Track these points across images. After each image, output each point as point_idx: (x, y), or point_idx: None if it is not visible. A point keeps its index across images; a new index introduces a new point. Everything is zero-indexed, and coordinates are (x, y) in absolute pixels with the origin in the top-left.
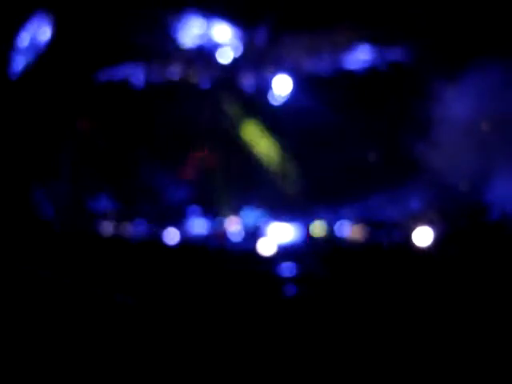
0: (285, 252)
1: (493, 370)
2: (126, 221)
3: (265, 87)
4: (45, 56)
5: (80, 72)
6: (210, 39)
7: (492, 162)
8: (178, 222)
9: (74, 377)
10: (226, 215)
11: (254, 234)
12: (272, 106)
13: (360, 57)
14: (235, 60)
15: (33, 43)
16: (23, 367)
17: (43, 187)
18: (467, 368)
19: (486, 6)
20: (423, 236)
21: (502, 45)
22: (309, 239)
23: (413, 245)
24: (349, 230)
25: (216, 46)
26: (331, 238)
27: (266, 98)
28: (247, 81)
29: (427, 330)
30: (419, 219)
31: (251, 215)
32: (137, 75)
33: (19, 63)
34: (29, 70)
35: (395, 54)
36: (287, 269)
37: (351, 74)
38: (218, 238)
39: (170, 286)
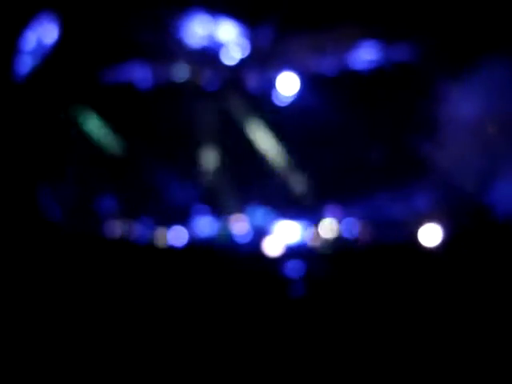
0: (291, 251)
1: (497, 370)
2: (133, 221)
3: (270, 87)
4: (50, 57)
5: (85, 72)
6: (215, 39)
7: (498, 161)
8: (185, 222)
9: (75, 377)
10: (232, 214)
11: (260, 234)
12: (278, 105)
13: (366, 56)
14: (240, 60)
15: (38, 45)
16: (24, 367)
17: (49, 189)
18: (473, 367)
19: (492, 4)
20: (429, 235)
21: (508, 44)
22: (315, 238)
23: (419, 244)
24: (356, 230)
25: (221, 45)
26: (338, 238)
27: (272, 98)
28: (253, 80)
29: (433, 327)
30: (425, 218)
31: (258, 214)
32: (142, 75)
33: (25, 65)
34: (35, 71)
35: (401, 53)
36: (294, 268)
37: (357, 73)
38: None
39: (176, 286)
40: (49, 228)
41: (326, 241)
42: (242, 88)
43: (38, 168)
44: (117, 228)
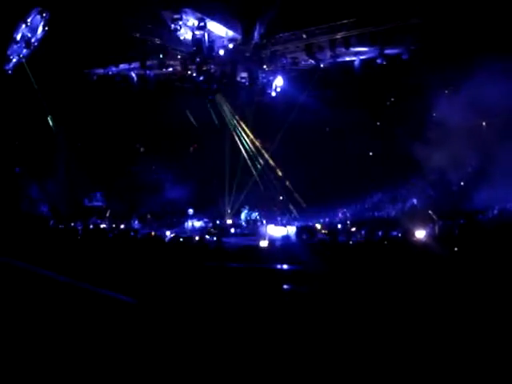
0: (284, 249)
1: (492, 368)
2: (123, 219)
3: (262, 84)
4: (41, 52)
5: (76, 68)
6: (207, 36)
7: (491, 160)
8: (176, 220)
9: (74, 376)
10: (223, 214)
11: (252, 232)
12: (268, 103)
13: (359, 55)
14: (232, 57)
15: (29, 39)
16: (23, 366)
17: (39, 184)
18: (466, 364)
19: (486, 6)
20: (422, 234)
21: (501, 45)
22: (307, 236)
23: (411, 243)
24: (346, 228)
25: (213, 42)
26: (330, 236)
27: (263, 95)
28: (244, 77)
29: (425, 326)
30: (418, 218)
31: (249, 214)
32: (134, 73)
33: (15, 59)
34: (25, 65)
35: (395, 53)
36: (286, 266)
37: (350, 72)
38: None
39: (167, 282)
40: (38, 223)
41: (319, 239)
42: (234, 85)
43: (28, 163)
44: (108, 225)
